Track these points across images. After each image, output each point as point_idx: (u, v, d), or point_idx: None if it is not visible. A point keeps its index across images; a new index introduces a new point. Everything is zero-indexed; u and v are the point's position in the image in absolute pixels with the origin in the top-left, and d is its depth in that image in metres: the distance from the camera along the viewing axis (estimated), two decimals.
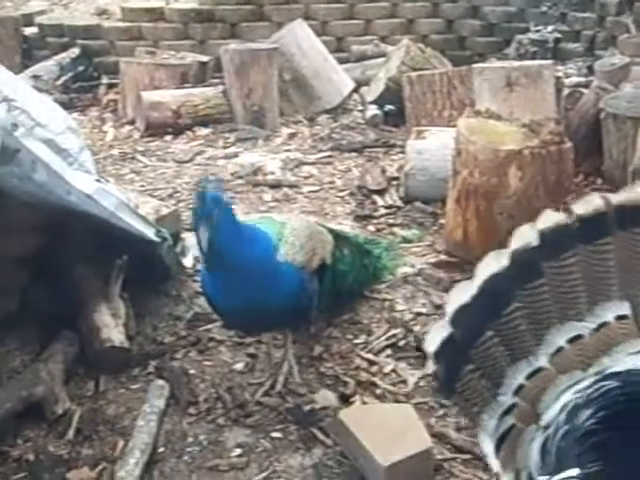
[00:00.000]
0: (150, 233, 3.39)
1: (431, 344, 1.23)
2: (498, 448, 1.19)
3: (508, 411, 1.19)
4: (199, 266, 2.77)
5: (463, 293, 1.21)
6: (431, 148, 5.09)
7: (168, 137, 6.70)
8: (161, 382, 3.25)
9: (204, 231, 2.63)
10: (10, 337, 3.42)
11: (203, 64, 7.50)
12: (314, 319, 3.32)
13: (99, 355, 3.35)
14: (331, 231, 3.57)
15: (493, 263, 1.21)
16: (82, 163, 3.41)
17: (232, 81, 6.97)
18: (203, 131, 6.82)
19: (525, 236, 1.21)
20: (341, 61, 7.97)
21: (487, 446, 1.22)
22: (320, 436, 3.00)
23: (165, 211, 4.09)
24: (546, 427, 1.15)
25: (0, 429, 3.01)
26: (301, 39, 7.46)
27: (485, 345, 1.20)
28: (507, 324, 1.19)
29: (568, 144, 4.15)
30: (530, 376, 1.18)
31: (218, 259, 2.74)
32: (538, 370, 1.19)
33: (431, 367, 1.25)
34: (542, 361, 1.19)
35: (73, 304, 3.52)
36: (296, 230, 3.10)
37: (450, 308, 1.22)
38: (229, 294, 2.90)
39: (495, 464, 1.22)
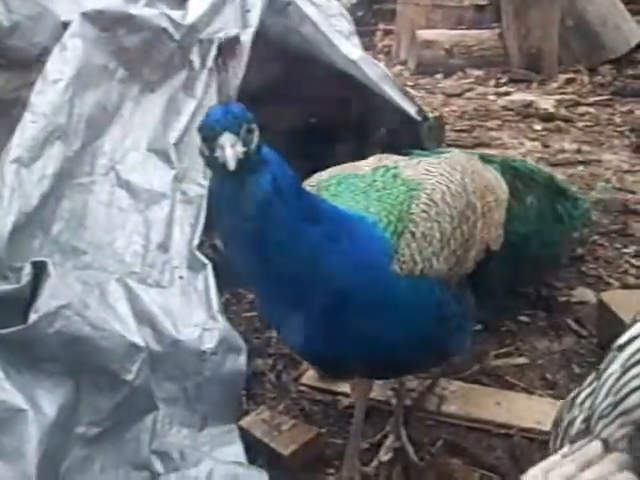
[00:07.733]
0: (412, 110, 3.25)
1: None
2: None
3: None
4: None
5: None
6: None
7: (438, 75, 6.57)
8: None
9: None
10: None
11: (480, 7, 7.26)
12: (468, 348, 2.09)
13: None
14: (505, 167, 2.41)
15: None
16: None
17: (509, 22, 6.67)
18: (475, 72, 6.59)
19: None
20: (633, 12, 7.31)
21: None
22: (574, 326, 2.72)
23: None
24: None
25: None
26: None
27: None
28: None
29: None
30: None
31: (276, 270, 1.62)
32: None
33: None
34: None
35: None
36: (433, 203, 1.80)
37: None
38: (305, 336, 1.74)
39: None
